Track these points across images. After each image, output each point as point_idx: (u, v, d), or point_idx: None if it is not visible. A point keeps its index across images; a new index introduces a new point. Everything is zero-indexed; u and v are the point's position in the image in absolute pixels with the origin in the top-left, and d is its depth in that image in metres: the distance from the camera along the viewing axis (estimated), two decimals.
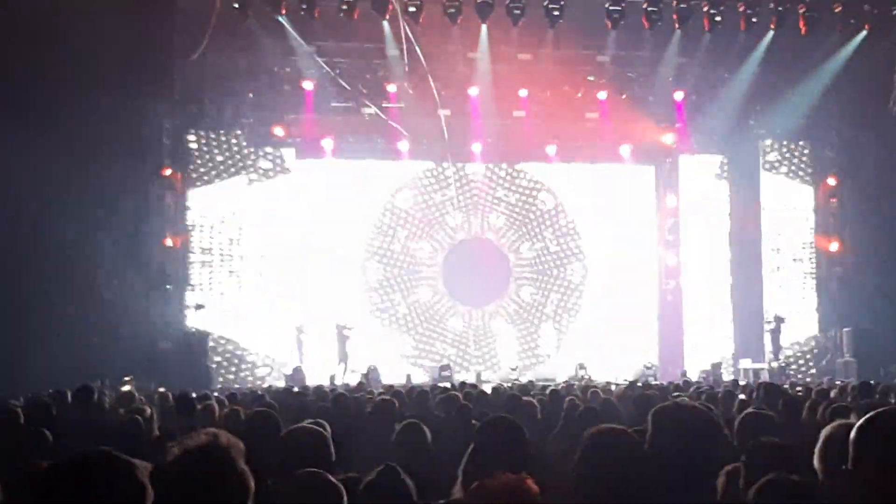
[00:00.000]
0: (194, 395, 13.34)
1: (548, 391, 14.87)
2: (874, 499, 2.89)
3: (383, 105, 28.98)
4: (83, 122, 24.37)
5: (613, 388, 18.51)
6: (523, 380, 25.46)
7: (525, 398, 11.92)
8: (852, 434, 3.08)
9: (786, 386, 20.26)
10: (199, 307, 27.88)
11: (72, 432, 8.74)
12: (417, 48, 26.30)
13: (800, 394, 16.72)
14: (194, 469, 2.94)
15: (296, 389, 18.47)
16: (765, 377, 26.05)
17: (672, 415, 3.91)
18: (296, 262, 29.64)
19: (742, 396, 14.67)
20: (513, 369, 28.60)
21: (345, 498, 4.15)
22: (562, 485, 4.18)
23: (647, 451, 3.86)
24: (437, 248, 30.87)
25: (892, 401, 12.93)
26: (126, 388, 21.06)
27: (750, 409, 7.68)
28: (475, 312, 30.70)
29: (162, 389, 19.26)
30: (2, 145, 21.63)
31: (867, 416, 3.12)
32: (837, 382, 21.43)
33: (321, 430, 5.26)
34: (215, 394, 17.73)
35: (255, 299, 28.91)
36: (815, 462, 3.75)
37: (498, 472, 3.07)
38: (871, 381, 15.33)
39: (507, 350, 30.42)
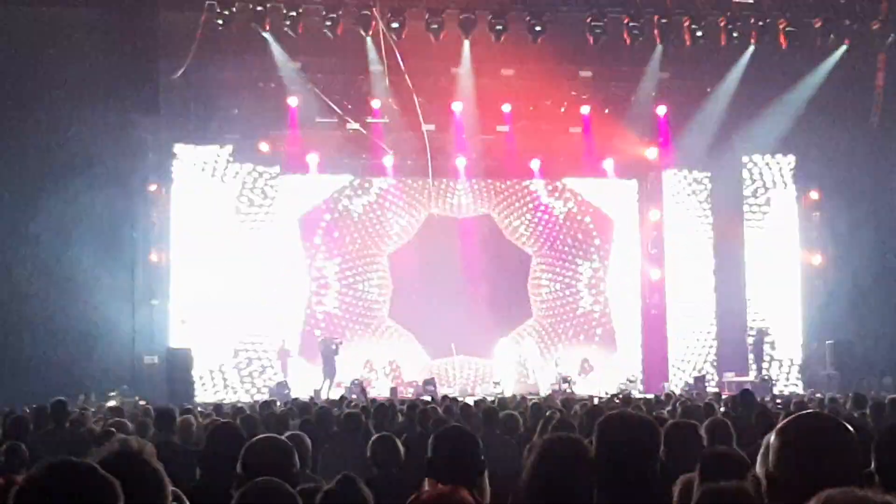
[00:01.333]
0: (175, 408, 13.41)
1: (529, 404, 14.95)
2: (789, 500, 2.99)
3: (367, 120, 29.06)
4: (69, 137, 24.51)
5: (596, 401, 18.57)
6: (507, 394, 25.56)
7: (506, 412, 12.03)
8: (771, 438, 3.19)
9: (767, 399, 20.44)
10: (183, 322, 27.92)
11: (46, 446, 8.82)
12: (401, 63, 26.38)
13: (779, 406, 16.87)
14: (112, 474, 3.11)
15: (279, 404, 18.51)
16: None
17: (615, 424, 4.02)
18: (281, 275, 29.73)
19: (723, 409, 14.80)
20: (496, 383, 28.65)
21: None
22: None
23: (593, 459, 3.96)
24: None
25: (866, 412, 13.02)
26: (112, 402, 21.17)
27: (713, 418, 7.83)
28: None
29: (143, 402, 19.35)
30: None
31: (784, 421, 3.24)
32: (818, 395, 21.55)
33: (284, 440, 5.34)
34: (199, 408, 17.83)
35: (240, 314, 28.95)
36: (757, 468, 3.84)
37: (434, 485, 3.18)
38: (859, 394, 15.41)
39: (491, 365, 30.46)
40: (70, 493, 2.76)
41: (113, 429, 9.29)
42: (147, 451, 3.36)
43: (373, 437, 7.95)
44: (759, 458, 3.86)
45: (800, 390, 28.64)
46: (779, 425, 3.23)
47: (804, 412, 3.30)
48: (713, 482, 4.19)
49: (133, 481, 3.19)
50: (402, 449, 7.62)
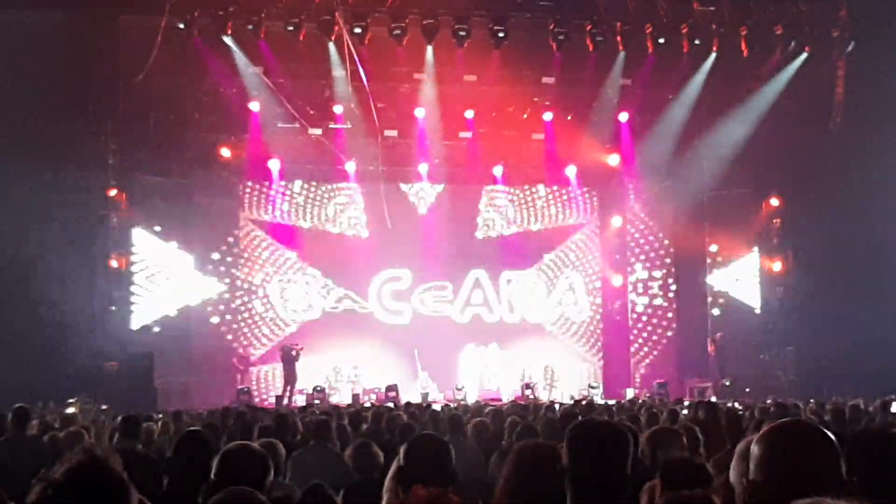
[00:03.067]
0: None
1: (488, 411, 14.93)
2: None
3: (329, 126, 28.98)
4: (27, 142, 24.25)
5: (557, 406, 18.59)
6: (470, 400, 25.58)
7: (478, 418, 12.01)
8: (752, 446, 3.19)
9: (730, 404, 20.54)
10: (144, 328, 27.69)
11: (9, 454, 8.70)
12: (361, 70, 26.32)
13: (741, 412, 16.93)
14: (79, 484, 3.10)
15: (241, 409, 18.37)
16: (709, 396, 26.33)
17: (584, 430, 4.02)
18: (246, 282, 29.66)
19: (685, 412, 14.86)
20: (458, 389, 28.64)
21: None
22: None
23: (565, 464, 3.96)
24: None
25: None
26: (71, 409, 20.94)
27: (657, 426, 7.89)
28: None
29: (104, 406, 19.14)
30: None
31: (766, 429, 3.23)
32: (778, 401, 21.64)
33: (259, 449, 5.28)
34: (160, 415, 17.67)
35: (203, 321, 28.81)
36: (731, 475, 3.84)
37: (418, 487, 3.16)
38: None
39: (453, 370, 30.46)
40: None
41: (80, 432, 9.15)
42: (113, 460, 3.31)
43: (353, 444, 7.93)
44: (733, 465, 3.86)
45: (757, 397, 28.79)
46: (760, 432, 3.22)
47: (785, 420, 3.30)
48: (675, 490, 4.19)
49: (99, 491, 3.15)
50: (381, 455, 7.62)
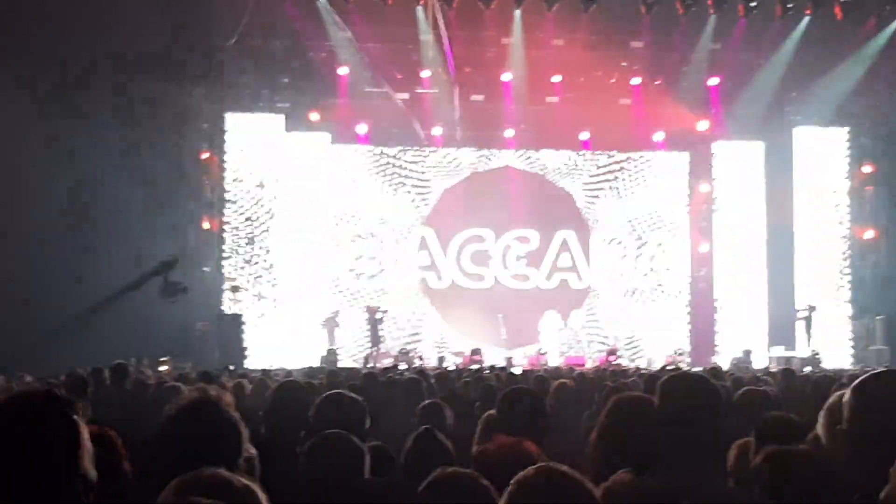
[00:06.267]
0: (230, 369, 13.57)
1: (575, 374, 15.01)
2: (865, 454, 3.05)
3: (417, 91, 29.10)
4: (122, 102, 24.73)
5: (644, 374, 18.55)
6: (552, 365, 25.60)
7: (558, 381, 12.07)
8: (846, 395, 3.25)
9: (818, 373, 20.33)
10: (235, 289, 28.16)
11: (108, 404, 8.99)
12: (444, 35, 26.37)
13: (827, 379, 16.75)
14: (190, 422, 3.22)
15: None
16: (796, 365, 26.06)
17: (679, 384, 4.09)
18: (332, 244, 29.95)
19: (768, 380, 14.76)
20: (542, 353, 28.65)
21: (367, 458, 4.34)
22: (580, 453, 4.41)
23: (658, 416, 4.04)
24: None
25: None
26: (163, 367, 21.48)
27: (748, 387, 7.91)
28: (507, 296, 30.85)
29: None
30: (52, 125, 22.07)
31: (860, 378, 3.29)
32: (867, 370, 21.40)
33: (357, 397, 5.40)
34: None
35: (291, 282, 29.21)
36: (819, 429, 3.89)
37: (500, 435, 3.29)
38: None
39: (538, 335, 30.47)
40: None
41: (176, 386, 9.40)
42: (225, 401, 3.46)
43: (422, 404, 8.02)
44: (820, 420, 3.92)
45: (849, 366, 28.42)
46: (854, 383, 3.28)
47: (878, 370, 3.35)
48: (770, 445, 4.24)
49: (212, 428, 3.30)
50: (450, 414, 7.71)
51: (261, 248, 28.89)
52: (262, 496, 2.89)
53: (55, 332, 22.13)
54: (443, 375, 13.51)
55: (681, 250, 31.92)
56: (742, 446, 4.92)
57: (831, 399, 3.88)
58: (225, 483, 2.82)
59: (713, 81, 29.54)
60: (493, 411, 4.75)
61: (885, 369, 3.53)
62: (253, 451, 4.03)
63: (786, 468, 3.81)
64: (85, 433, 2.82)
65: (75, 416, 2.82)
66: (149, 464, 3.40)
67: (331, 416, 4.89)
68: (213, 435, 3.25)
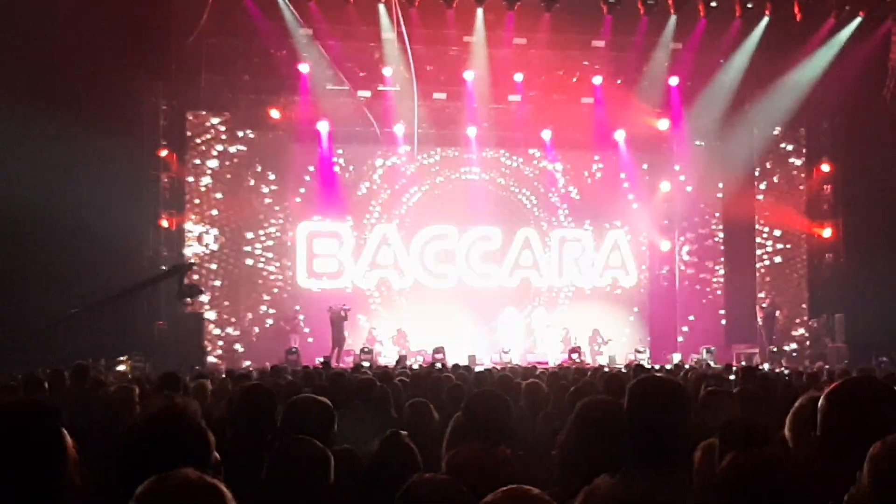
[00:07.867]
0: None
1: (539, 373, 15.00)
2: (840, 462, 3.05)
3: (378, 88, 29.03)
4: (78, 102, 24.43)
5: (606, 371, 18.59)
6: (515, 363, 25.62)
7: (524, 380, 12.06)
8: (820, 402, 3.25)
9: (778, 371, 20.49)
10: (193, 289, 27.95)
11: (67, 406, 8.87)
12: (404, 33, 26.34)
13: (786, 378, 16.88)
14: (157, 429, 3.19)
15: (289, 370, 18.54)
16: (757, 362, 26.23)
17: (647, 387, 4.08)
18: (294, 240, 29.89)
19: (732, 378, 14.83)
20: (505, 352, 28.70)
21: (331, 466, 4.30)
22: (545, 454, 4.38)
23: (625, 418, 4.04)
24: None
25: None
26: (121, 367, 21.28)
27: (710, 388, 7.92)
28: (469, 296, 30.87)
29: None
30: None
31: (834, 384, 3.29)
32: (826, 367, 21.56)
33: (326, 401, 5.36)
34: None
35: (251, 282, 29.11)
36: (786, 432, 3.89)
37: (474, 443, 3.25)
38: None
39: (499, 334, 30.54)
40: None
41: (131, 387, 9.30)
42: (191, 409, 3.41)
43: (409, 402, 7.97)
44: (788, 422, 3.92)
45: (807, 363, 28.63)
46: (827, 390, 3.28)
47: (851, 377, 3.36)
48: (734, 449, 4.24)
49: (179, 437, 3.25)
50: (435, 414, 7.67)
51: (220, 246, 28.78)
52: (229, 497, 2.85)
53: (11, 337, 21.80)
54: (405, 375, 13.45)
55: (641, 248, 32.08)
56: (707, 448, 4.91)
57: (799, 402, 3.88)
58: (195, 484, 2.79)
59: (674, 81, 29.65)
60: (459, 413, 4.72)
61: (858, 376, 3.54)
62: (217, 455, 3.99)
63: (752, 472, 3.80)
64: (69, 442, 2.83)
65: (60, 426, 2.85)
66: (113, 473, 3.34)
67: (298, 420, 4.85)
68: (180, 444, 3.21)
